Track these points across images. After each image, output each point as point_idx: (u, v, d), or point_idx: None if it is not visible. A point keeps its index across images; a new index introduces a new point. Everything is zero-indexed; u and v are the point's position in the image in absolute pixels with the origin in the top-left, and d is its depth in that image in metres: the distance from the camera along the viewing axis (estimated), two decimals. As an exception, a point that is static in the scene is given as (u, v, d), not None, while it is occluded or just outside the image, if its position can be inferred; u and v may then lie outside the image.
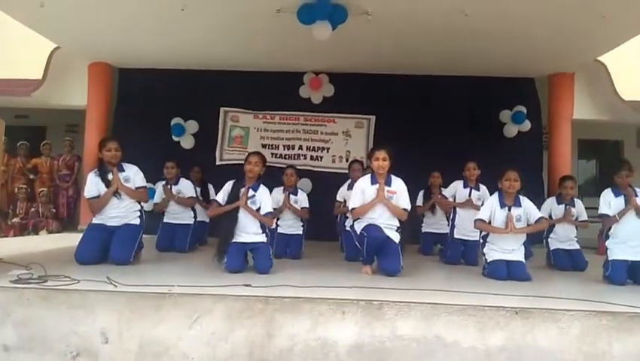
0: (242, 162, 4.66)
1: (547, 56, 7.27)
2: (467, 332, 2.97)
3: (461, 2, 5.64)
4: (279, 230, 5.71)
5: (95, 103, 8.31)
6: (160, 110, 8.15)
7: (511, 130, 8.06)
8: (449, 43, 6.84)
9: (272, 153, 8.24)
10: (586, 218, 5.62)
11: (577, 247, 5.52)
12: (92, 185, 4.57)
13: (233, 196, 4.41)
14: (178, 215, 6.00)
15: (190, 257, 5.46)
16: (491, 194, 4.99)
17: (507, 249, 4.47)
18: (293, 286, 3.49)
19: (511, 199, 4.54)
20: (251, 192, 4.43)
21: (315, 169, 8.20)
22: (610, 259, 4.45)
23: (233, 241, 4.32)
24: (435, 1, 5.68)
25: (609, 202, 4.53)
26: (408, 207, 4.52)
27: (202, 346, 3.05)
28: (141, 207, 4.74)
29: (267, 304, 3.10)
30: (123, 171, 4.65)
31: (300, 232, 5.81)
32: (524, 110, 8.00)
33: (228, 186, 4.50)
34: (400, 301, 3.09)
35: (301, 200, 5.89)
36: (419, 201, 6.44)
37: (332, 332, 3.03)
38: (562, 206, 5.57)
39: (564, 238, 5.51)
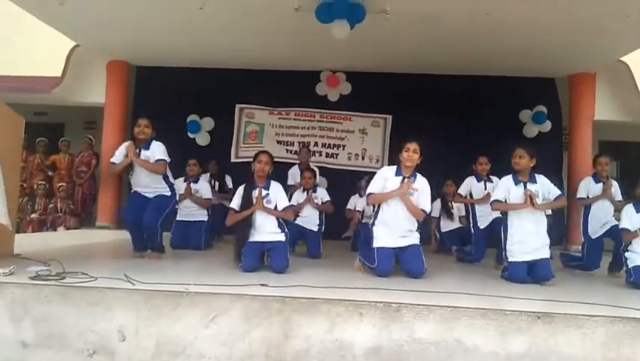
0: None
1: (568, 55, 7.16)
2: (488, 336, 2.92)
3: (481, 1, 5.56)
4: (297, 221, 5.72)
5: (113, 100, 8.39)
6: (176, 107, 8.20)
7: (531, 130, 7.96)
8: (468, 43, 6.76)
9: (287, 150, 8.25)
10: (621, 199, 5.38)
11: (615, 222, 5.08)
12: (118, 153, 4.82)
13: (247, 200, 4.38)
14: (192, 212, 6.02)
15: (206, 255, 5.47)
16: None
17: (531, 247, 4.28)
18: (310, 286, 3.45)
19: (525, 175, 4.38)
20: (264, 192, 4.41)
21: (331, 166, 8.17)
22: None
23: (250, 240, 4.30)
24: (455, 0, 5.61)
25: (631, 217, 4.45)
26: (427, 208, 4.41)
27: (219, 345, 3.03)
28: (168, 179, 4.90)
29: (284, 304, 3.08)
30: (148, 149, 4.79)
31: (316, 230, 5.80)
32: (545, 110, 7.90)
33: (240, 191, 4.48)
34: (418, 304, 3.04)
35: (321, 196, 5.98)
36: (435, 212, 6.49)
37: (349, 334, 3.00)
38: (600, 184, 5.32)
39: (603, 218, 5.23)
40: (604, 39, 6.56)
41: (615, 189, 5.38)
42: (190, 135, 8.35)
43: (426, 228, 6.43)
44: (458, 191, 5.82)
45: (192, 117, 8.28)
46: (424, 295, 3.34)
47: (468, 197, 5.71)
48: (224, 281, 3.46)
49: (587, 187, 5.42)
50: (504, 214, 4.50)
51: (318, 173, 6.55)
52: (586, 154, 7.87)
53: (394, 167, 4.49)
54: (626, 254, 4.44)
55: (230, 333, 3.04)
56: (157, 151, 4.79)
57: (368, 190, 4.48)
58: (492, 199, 4.54)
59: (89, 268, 3.66)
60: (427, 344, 2.95)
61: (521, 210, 4.29)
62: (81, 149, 8.99)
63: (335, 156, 8.30)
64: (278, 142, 8.27)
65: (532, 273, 4.25)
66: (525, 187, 4.33)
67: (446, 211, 6.61)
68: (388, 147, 8.17)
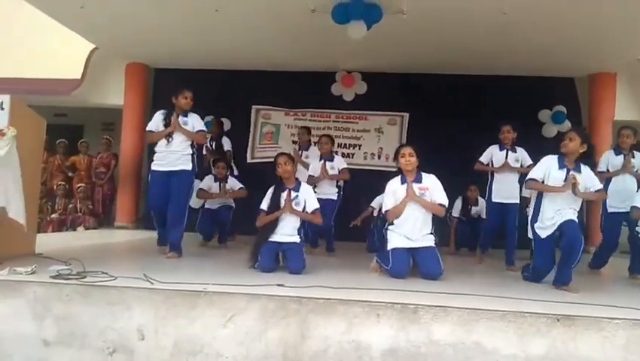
0: (273, 159, 4.66)
1: (588, 55, 7.07)
2: (507, 338, 2.89)
3: (500, 0, 5.51)
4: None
5: (131, 102, 8.50)
6: (193, 108, 8.23)
7: (551, 130, 7.87)
8: (486, 42, 6.71)
9: None
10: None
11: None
12: (154, 122, 5.04)
13: (276, 201, 4.40)
14: (221, 202, 6.25)
15: (224, 254, 5.52)
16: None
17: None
18: (327, 287, 3.45)
19: (571, 162, 4.09)
20: (293, 194, 4.43)
21: (347, 166, 8.14)
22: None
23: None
24: (473, 0, 5.57)
25: None
26: (445, 202, 4.37)
27: (236, 345, 3.05)
28: (194, 152, 5.05)
29: (301, 304, 3.08)
30: (186, 117, 5.03)
31: (335, 198, 5.86)
32: (564, 110, 7.80)
33: (270, 192, 4.50)
34: (436, 306, 3.02)
35: (338, 164, 5.96)
36: (455, 212, 6.61)
37: (366, 335, 2.99)
38: (621, 157, 5.16)
39: (624, 194, 5.01)
40: (625, 38, 6.46)
41: (638, 160, 5.17)
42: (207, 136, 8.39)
43: (446, 228, 6.47)
44: (480, 159, 5.62)
45: (208, 118, 8.31)
46: (442, 296, 3.32)
47: (490, 165, 5.53)
48: (241, 281, 3.48)
49: (607, 160, 5.25)
50: (537, 196, 4.22)
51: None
52: (606, 155, 7.76)
53: (399, 177, 4.50)
54: None
55: (247, 333, 3.05)
56: (197, 121, 5.07)
57: (384, 208, 4.52)
58: (527, 177, 4.28)
59: (109, 267, 3.70)
60: (445, 345, 2.93)
61: (558, 194, 4.04)
62: (100, 150, 9.11)
63: (351, 156, 8.28)
64: (294, 142, 8.27)
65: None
66: (568, 173, 4.05)
67: (465, 215, 6.63)
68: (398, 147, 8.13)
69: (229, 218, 6.24)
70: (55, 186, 8.72)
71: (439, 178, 4.48)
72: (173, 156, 4.89)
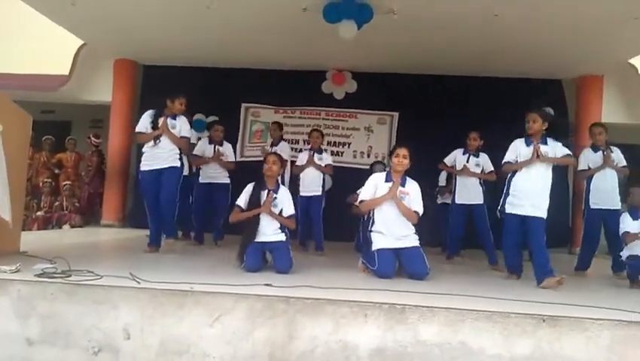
0: (262, 158, 4.70)
1: (577, 57, 7.12)
2: (493, 339, 2.91)
3: (490, 2, 5.54)
4: (301, 193, 6.03)
5: (120, 99, 8.42)
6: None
7: (537, 132, 7.91)
8: (476, 44, 6.74)
9: (292, 148, 8.23)
10: (625, 164, 5.43)
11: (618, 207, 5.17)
12: (142, 124, 5.21)
13: (255, 199, 4.40)
14: (216, 175, 6.17)
15: (212, 253, 5.49)
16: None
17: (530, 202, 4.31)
18: (315, 287, 3.45)
19: (537, 138, 4.46)
20: (273, 195, 4.43)
21: (336, 164, 8.15)
22: None
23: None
24: (463, 1, 5.59)
25: (629, 224, 4.61)
26: (420, 210, 4.43)
27: (223, 345, 3.04)
28: (181, 153, 5.25)
29: (289, 304, 3.08)
30: (175, 119, 5.18)
31: (319, 193, 6.09)
32: (551, 112, 7.85)
33: (249, 188, 4.49)
34: (423, 306, 3.04)
35: (325, 158, 6.24)
36: (442, 180, 6.75)
37: (354, 335, 3.00)
38: (599, 153, 5.36)
39: (604, 190, 5.24)
40: (613, 41, 6.52)
41: (617, 155, 5.39)
42: (196, 134, 8.34)
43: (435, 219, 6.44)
44: (444, 160, 5.99)
45: (198, 116, 8.26)
46: (429, 296, 3.34)
47: (454, 168, 5.88)
48: (228, 281, 3.46)
49: (587, 158, 5.43)
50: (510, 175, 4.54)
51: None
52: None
53: (384, 173, 4.61)
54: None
55: (234, 333, 3.04)
56: (184, 126, 5.19)
57: (360, 197, 4.54)
58: (503, 161, 4.59)
59: (95, 266, 3.67)
60: (431, 345, 2.95)
61: (530, 167, 4.37)
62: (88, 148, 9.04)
63: (340, 154, 8.29)
64: (284, 140, 8.26)
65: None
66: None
67: (448, 185, 6.73)
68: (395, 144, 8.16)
69: (227, 202, 6.04)
70: (41, 184, 8.62)
71: (427, 177, 4.55)
72: (161, 155, 5.08)
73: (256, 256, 4.26)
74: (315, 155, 6.15)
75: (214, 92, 8.21)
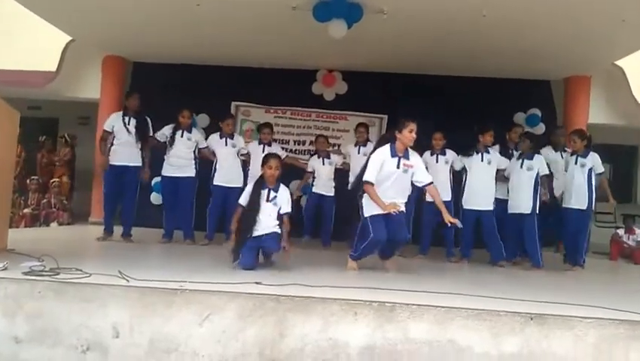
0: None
1: (564, 58, 7.17)
2: (481, 337, 2.94)
3: (478, 3, 5.58)
4: (314, 190, 6.57)
5: (108, 95, 8.32)
6: (171, 103, 8.11)
7: (525, 133, 7.97)
8: (465, 44, 6.77)
9: (282, 148, 8.21)
10: (603, 170, 5.76)
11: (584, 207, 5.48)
12: (110, 122, 6.15)
13: (255, 198, 4.44)
14: (180, 167, 6.13)
15: (201, 252, 5.47)
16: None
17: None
18: (305, 285, 3.45)
19: (402, 150, 4.66)
20: (272, 194, 4.49)
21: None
22: None
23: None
24: (453, 2, 5.62)
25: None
26: (428, 179, 4.68)
27: (213, 344, 3.03)
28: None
29: (279, 303, 3.08)
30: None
31: (332, 194, 6.56)
32: (539, 113, 7.92)
33: (249, 187, 4.56)
34: (413, 304, 3.06)
35: (335, 161, 6.73)
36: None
37: (343, 333, 3.01)
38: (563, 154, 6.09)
39: (572, 190, 5.57)
40: (601, 43, 6.58)
41: (595, 159, 5.69)
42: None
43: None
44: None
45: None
46: (418, 295, 3.36)
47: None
48: (218, 279, 3.46)
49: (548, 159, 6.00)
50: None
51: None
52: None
53: (387, 147, 4.56)
54: None
55: (224, 331, 3.04)
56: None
57: (367, 178, 4.43)
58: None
59: (83, 264, 3.65)
60: (420, 343, 2.97)
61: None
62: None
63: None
64: (274, 140, 8.25)
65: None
66: (399, 160, 4.55)
67: None
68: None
69: (192, 193, 6.16)
70: (28, 181, 8.53)
71: None
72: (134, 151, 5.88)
73: (251, 255, 4.31)
74: (325, 160, 6.63)
75: (204, 89, 8.15)
